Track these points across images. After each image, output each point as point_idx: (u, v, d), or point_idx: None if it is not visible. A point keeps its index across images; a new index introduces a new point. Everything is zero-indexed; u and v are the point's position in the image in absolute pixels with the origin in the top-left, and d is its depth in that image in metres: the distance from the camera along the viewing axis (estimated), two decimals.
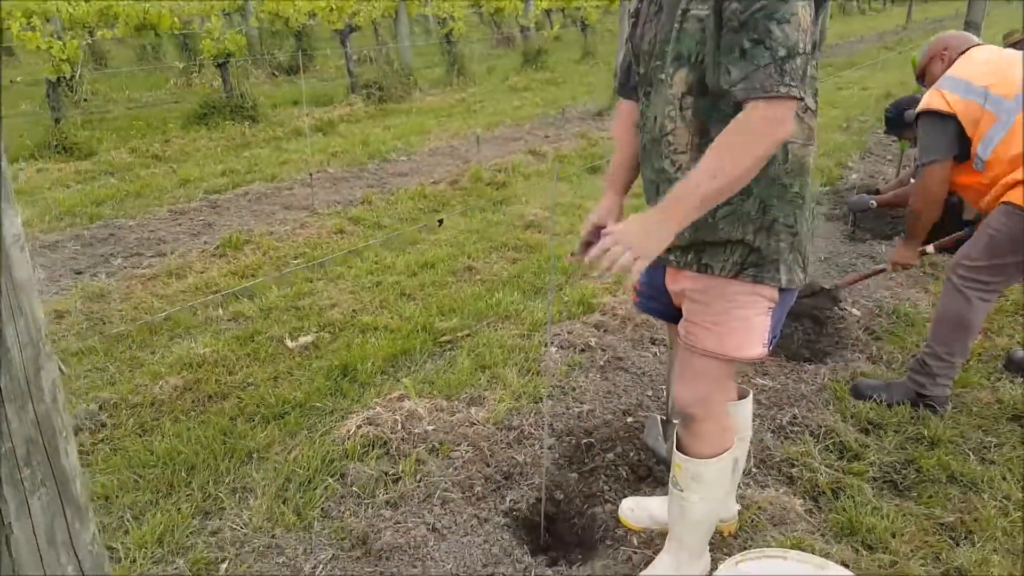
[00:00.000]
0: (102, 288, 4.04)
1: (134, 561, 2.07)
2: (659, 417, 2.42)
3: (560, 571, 2.05)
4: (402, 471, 2.45)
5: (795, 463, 2.52)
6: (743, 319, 1.68)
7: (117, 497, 2.36)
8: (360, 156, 7.14)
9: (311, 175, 6.04)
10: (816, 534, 2.19)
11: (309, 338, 3.49)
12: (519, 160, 6.80)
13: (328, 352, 3.35)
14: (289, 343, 3.45)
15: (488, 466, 2.49)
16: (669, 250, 1.71)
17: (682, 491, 1.84)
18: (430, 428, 2.69)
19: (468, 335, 3.50)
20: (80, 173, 6.53)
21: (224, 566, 2.05)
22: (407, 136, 7.98)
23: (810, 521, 2.25)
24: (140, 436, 2.72)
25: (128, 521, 2.25)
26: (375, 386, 3.06)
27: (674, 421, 1.89)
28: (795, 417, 2.81)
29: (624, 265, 1.41)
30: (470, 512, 2.28)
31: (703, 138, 1.56)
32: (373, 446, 2.59)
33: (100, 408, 2.87)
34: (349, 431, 2.66)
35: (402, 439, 2.61)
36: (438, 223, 2.69)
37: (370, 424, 2.69)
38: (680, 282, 1.75)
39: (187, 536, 2.17)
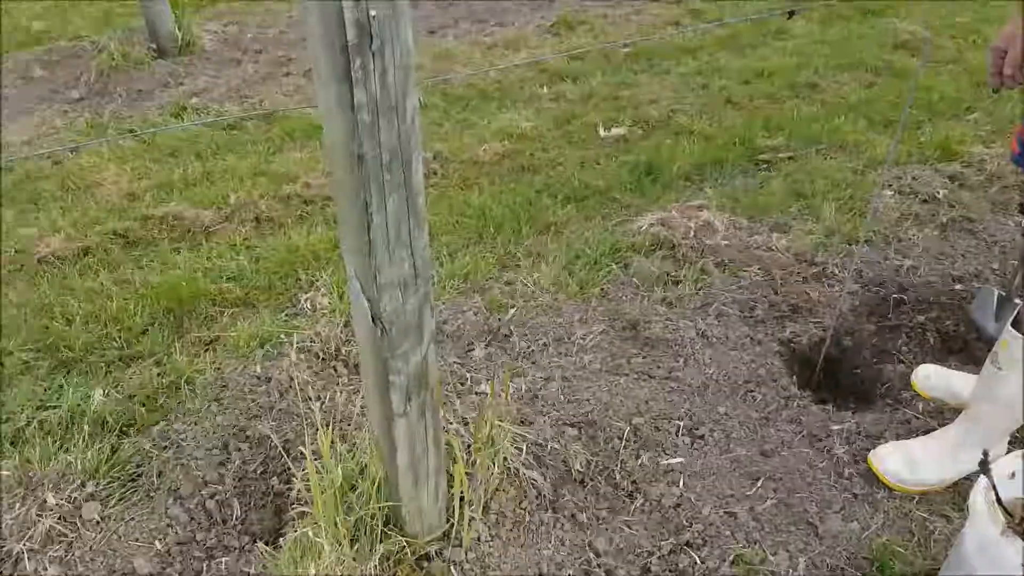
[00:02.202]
0: (448, 49, 4.38)
1: (444, 288, 2.41)
2: (997, 292, 2.06)
3: (825, 411, 1.96)
4: (683, 276, 2.45)
5: None
6: None
7: (439, 236, 2.71)
8: None
9: None
10: None
11: (621, 131, 3.48)
12: None
13: (637, 147, 3.33)
14: (601, 132, 3.48)
15: (776, 294, 2.38)
16: None
17: (1000, 369, 1.59)
18: (723, 243, 2.60)
19: (791, 158, 3.21)
20: None
21: (512, 311, 2.29)
22: None
23: None
24: (462, 189, 3.03)
25: (444, 256, 2.58)
26: (676, 190, 3.00)
27: (1016, 300, 1.60)
28: None
29: None
30: (744, 331, 2.23)
31: None
32: (661, 246, 2.59)
33: (434, 158, 3.24)
34: (641, 227, 2.69)
35: (691, 247, 2.58)
36: (787, 15, 2.38)
37: (662, 225, 2.69)
38: None
39: (486, 280, 2.45)
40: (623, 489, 1.74)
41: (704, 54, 4.24)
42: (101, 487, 1.73)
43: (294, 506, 1.64)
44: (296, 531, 1.49)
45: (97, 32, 4.64)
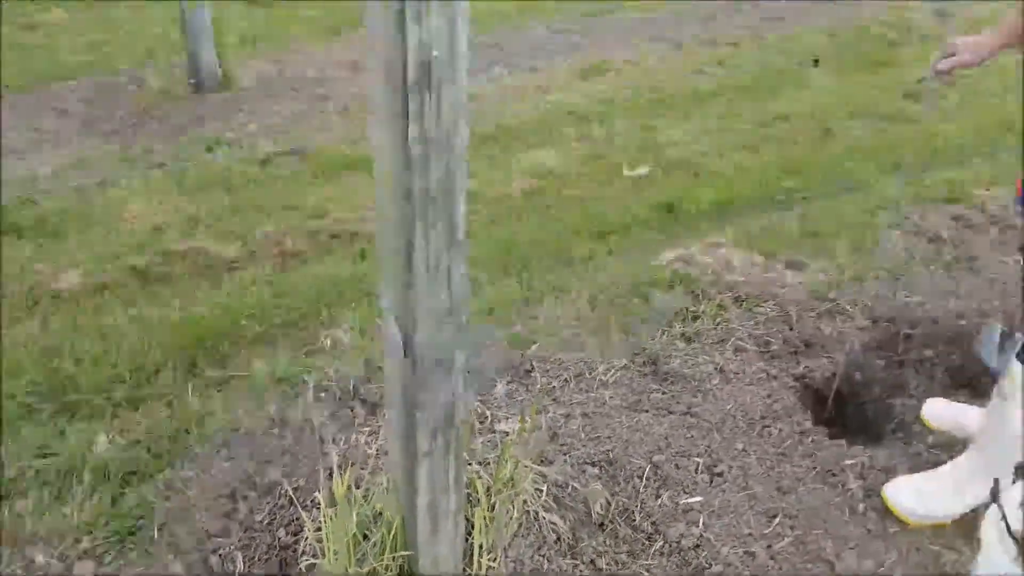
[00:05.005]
0: (480, 91, 4.53)
1: (467, 322, 2.50)
2: (1000, 328, 2.14)
3: (839, 445, 2.03)
4: (703, 311, 2.53)
5: None
6: None
7: None
8: None
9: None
10: None
11: (644, 170, 3.61)
12: (919, 20, 5.81)
13: (659, 187, 3.45)
14: (626, 171, 3.61)
15: (791, 329, 2.46)
16: None
17: (1005, 400, 1.67)
18: (740, 279, 2.69)
19: (805, 199, 3.32)
20: None
21: (535, 346, 2.38)
22: None
23: None
24: (489, 224, 3.15)
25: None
26: (696, 229, 3.10)
27: (1018, 335, 1.69)
28: None
29: None
30: (760, 366, 2.31)
31: None
32: (681, 282, 2.69)
33: None
34: (662, 263, 2.79)
35: (710, 283, 2.67)
36: (814, 63, 2.50)
37: (683, 262, 2.79)
38: None
39: (510, 314, 2.55)
40: (643, 531, 1.77)
41: (724, 98, 4.38)
42: (97, 542, 1.66)
43: (303, 557, 1.59)
44: None
45: (139, 66, 4.80)
